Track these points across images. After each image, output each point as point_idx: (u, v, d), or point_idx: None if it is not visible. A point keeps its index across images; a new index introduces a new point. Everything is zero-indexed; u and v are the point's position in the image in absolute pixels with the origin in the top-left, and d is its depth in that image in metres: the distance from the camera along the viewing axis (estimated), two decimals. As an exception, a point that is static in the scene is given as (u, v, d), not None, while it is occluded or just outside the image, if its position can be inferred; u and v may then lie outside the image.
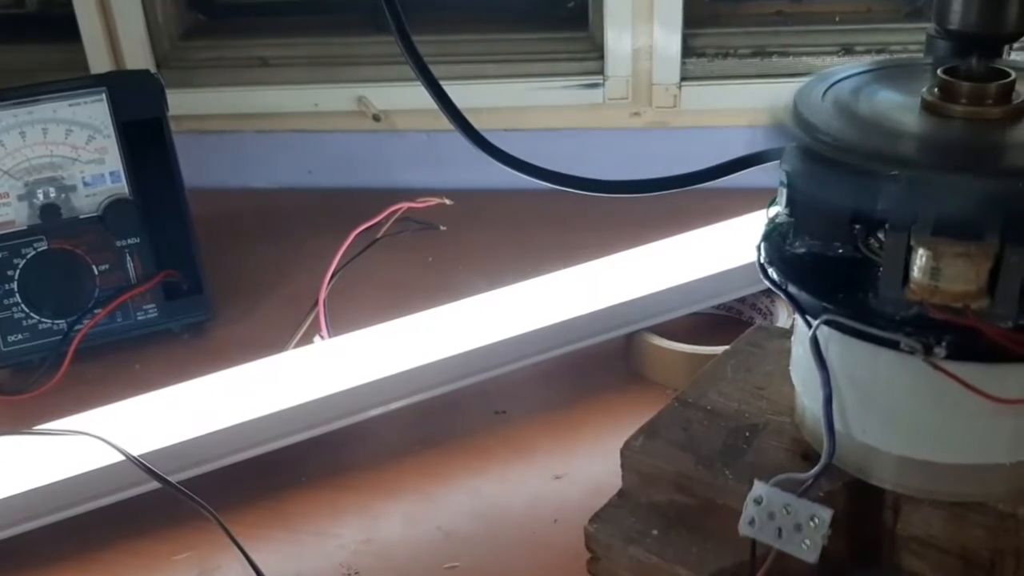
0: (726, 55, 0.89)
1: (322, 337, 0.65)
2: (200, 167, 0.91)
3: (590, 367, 0.69)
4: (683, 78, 0.89)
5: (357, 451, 0.62)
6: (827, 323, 0.42)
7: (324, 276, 0.68)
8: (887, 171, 0.38)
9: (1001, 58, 0.43)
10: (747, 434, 0.49)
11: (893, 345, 0.40)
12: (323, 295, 0.66)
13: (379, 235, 0.69)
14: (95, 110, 0.74)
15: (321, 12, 0.99)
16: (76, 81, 0.75)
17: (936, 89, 0.43)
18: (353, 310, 0.69)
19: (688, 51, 0.89)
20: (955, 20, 0.41)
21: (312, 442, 0.60)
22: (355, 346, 0.64)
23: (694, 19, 0.89)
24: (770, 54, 0.89)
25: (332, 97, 0.93)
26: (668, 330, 0.69)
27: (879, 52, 0.87)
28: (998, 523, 0.44)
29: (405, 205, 0.70)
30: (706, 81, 0.89)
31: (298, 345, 0.66)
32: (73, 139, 0.74)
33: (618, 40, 0.88)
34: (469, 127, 0.55)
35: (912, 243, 0.39)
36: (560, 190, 0.72)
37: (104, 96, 0.74)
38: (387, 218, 0.69)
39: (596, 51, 0.90)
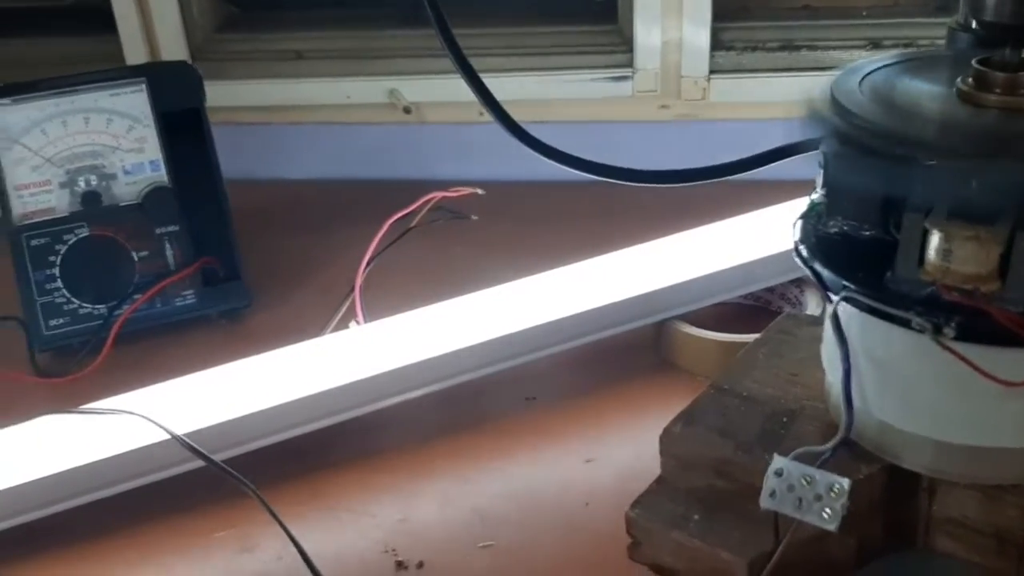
0: (754, 48, 0.89)
1: (358, 323, 0.67)
2: (234, 158, 0.92)
3: (619, 354, 0.70)
4: (712, 71, 0.89)
5: (391, 433, 0.63)
6: (846, 300, 0.43)
7: (359, 264, 0.69)
8: (905, 155, 0.39)
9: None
10: (784, 419, 0.50)
11: (905, 324, 0.41)
12: (359, 282, 0.67)
13: (413, 224, 0.71)
14: (135, 100, 0.75)
15: (353, 5, 1.00)
16: (117, 71, 0.77)
17: (971, 79, 0.44)
18: (387, 297, 0.70)
19: (717, 44, 0.89)
20: (989, 11, 0.42)
21: (348, 424, 0.61)
22: (389, 332, 0.65)
23: (723, 12, 0.90)
24: (798, 47, 0.89)
25: (364, 90, 0.94)
26: (696, 319, 0.70)
27: (907, 46, 0.88)
28: (1031, 503, 0.45)
29: (439, 194, 0.71)
30: (735, 74, 0.89)
31: (335, 330, 0.67)
32: (114, 128, 0.75)
33: (647, 33, 0.88)
34: (509, 119, 0.56)
35: (927, 225, 0.40)
36: (590, 181, 0.74)
37: (144, 86, 0.75)
38: (421, 207, 0.70)
39: (625, 44, 0.91)
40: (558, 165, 0.92)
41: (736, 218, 0.74)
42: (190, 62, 0.95)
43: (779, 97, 0.86)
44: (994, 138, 0.42)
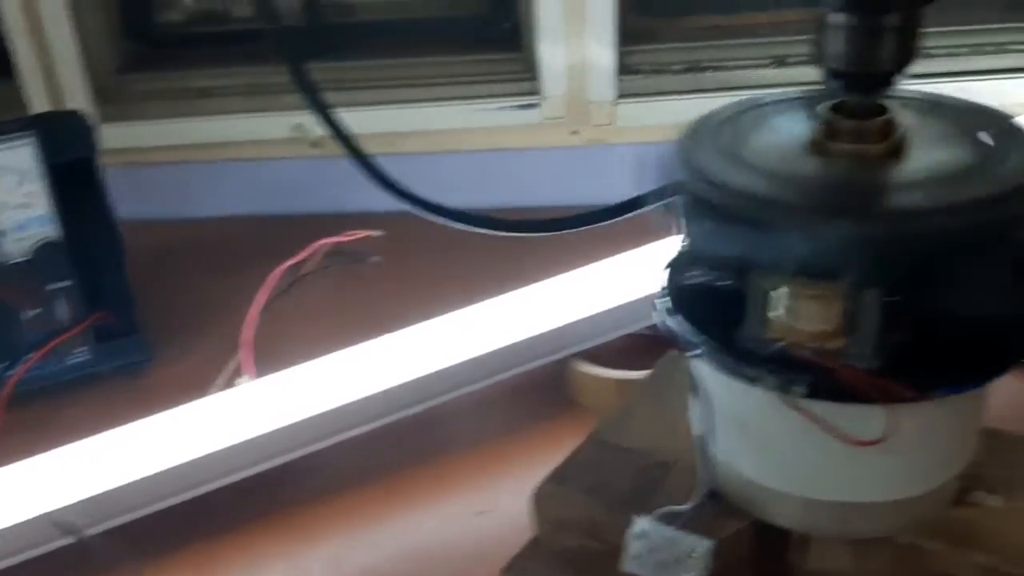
0: (660, 71, 0.89)
1: (249, 378, 0.65)
2: (141, 200, 0.91)
3: (526, 395, 0.69)
4: (619, 95, 0.88)
5: (282, 494, 0.62)
6: (701, 356, 0.42)
7: (248, 316, 0.67)
8: (744, 213, 0.38)
9: (885, 92, 0.42)
10: (657, 473, 0.49)
11: (755, 381, 0.40)
12: (247, 336, 0.65)
13: (304, 271, 0.69)
14: (23, 154, 0.73)
15: (256, 40, 0.98)
16: (4, 125, 0.74)
17: (822, 127, 0.43)
18: (283, 348, 0.68)
19: (623, 68, 0.89)
20: (834, 60, 0.41)
21: (237, 486, 0.60)
22: (282, 386, 0.64)
23: (628, 36, 0.89)
24: (704, 69, 0.88)
25: (270, 125, 0.92)
26: (603, 353, 0.69)
27: (812, 63, 0.87)
28: (900, 554, 0.45)
29: (331, 240, 0.70)
30: (642, 98, 0.88)
31: (225, 387, 0.66)
32: (2, 184, 0.73)
33: (552, 59, 0.87)
34: (362, 156, 0.55)
35: (770, 283, 0.39)
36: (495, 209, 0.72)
37: (33, 139, 0.73)
38: (312, 255, 0.68)
39: (531, 71, 0.90)
40: (463, 197, 0.91)
41: (638, 249, 0.73)
42: (94, 105, 0.93)
43: (687, 120, 0.85)
44: (837, 192, 0.41)
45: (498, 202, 0.91)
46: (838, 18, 0.39)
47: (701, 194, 0.41)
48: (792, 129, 0.44)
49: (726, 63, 0.88)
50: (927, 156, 0.41)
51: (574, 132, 0.91)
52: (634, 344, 0.72)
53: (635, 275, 0.71)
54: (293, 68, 0.52)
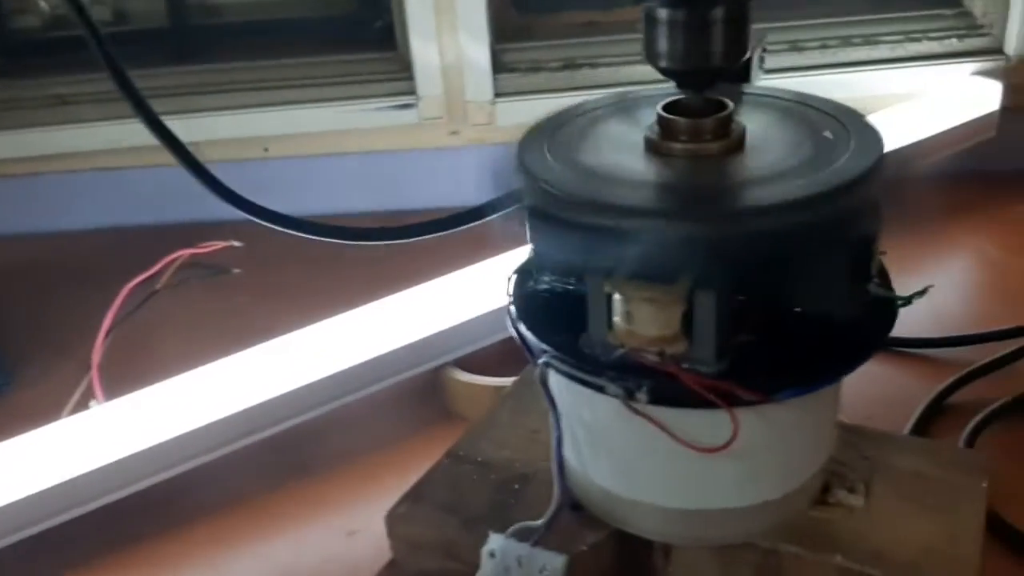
0: (537, 69, 0.87)
1: (98, 402, 0.61)
2: (2, 214, 0.86)
3: (402, 406, 0.67)
4: (497, 94, 0.87)
5: (139, 523, 0.58)
6: (547, 364, 0.41)
7: (97, 337, 0.63)
8: (574, 217, 0.37)
9: (715, 87, 0.41)
10: (516, 487, 0.47)
11: (601, 389, 0.39)
12: (96, 358, 0.62)
13: (159, 286, 0.66)
14: None
15: (118, 45, 0.94)
16: None
17: (656, 126, 0.41)
18: (140, 366, 0.65)
19: (499, 67, 0.87)
20: (663, 57, 0.40)
21: (89, 516, 0.56)
22: (134, 409, 0.60)
23: (503, 33, 0.87)
24: (579, 66, 0.87)
25: (134, 133, 0.88)
26: (481, 359, 0.67)
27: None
28: (762, 559, 0.44)
29: (185, 252, 0.66)
30: (520, 96, 0.87)
31: (75, 412, 0.62)
32: None
33: (426, 58, 0.85)
34: (197, 164, 0.53)
35: (607, 288, 0.38)
36: (375, 215, 0.69)
37: None
38: (165, 268, 0.65)
39: (407, 71, 0.88)
40: (342, 201, 0.89)
41: (516, 251, 0.71)
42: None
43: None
44: (669, 193, 0.40)
45: (377, 206, 0.89)
46: (664, 13, 0.38)
47: (533, 199, 0.39)
48: (636, 128, 0.43)
49: (601, 59, 0.87)
50: (766, 154, 0.40)
51: (454, 132, 0.89)
52: (518, 349, 0.70)
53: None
54: (115, 73, 0.49)
